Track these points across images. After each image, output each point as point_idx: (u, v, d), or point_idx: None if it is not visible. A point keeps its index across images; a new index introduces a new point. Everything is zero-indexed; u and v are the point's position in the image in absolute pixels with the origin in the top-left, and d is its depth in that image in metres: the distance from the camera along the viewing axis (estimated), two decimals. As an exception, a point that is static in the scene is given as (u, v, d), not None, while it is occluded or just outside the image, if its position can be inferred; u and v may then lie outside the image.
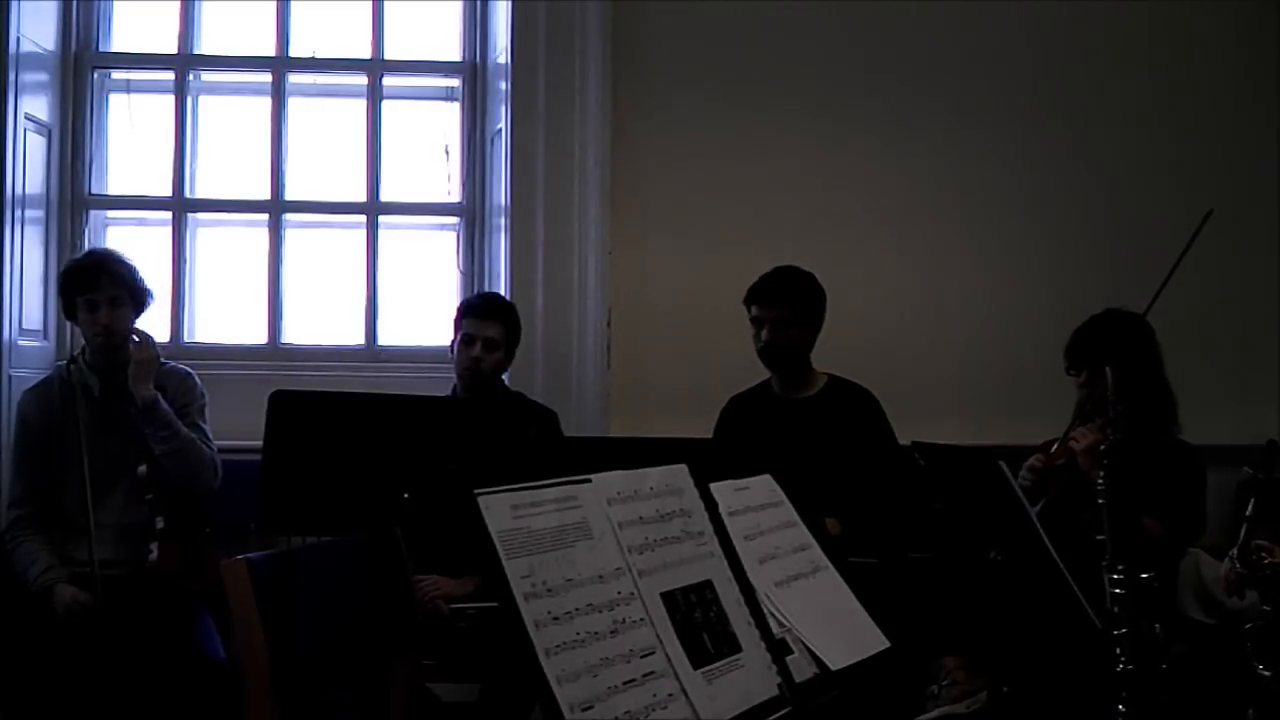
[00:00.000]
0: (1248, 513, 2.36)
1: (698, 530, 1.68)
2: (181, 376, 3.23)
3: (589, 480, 1.56)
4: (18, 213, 3.73)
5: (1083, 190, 4.14)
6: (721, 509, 1.75)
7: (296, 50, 4.21)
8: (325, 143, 4.26)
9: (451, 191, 4.27)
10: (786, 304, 3.29)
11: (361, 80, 4.22)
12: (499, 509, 1.40)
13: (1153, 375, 3.06)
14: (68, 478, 3.05)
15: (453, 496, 2.22)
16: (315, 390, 3.02)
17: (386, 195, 4.23)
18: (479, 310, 3.34)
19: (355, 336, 4.19)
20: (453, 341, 3.35)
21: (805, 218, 4.04)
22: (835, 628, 1.83)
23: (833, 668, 1.74)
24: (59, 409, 3.10)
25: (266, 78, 4.19)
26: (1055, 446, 3.03)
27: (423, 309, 4.21)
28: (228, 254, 4.24)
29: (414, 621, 2.74)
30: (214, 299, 4.22)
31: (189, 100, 4.17)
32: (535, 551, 1.41)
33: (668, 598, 1.54)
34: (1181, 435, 3.09)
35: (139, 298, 3.16)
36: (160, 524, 3.05)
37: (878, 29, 4.09)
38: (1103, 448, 2.34)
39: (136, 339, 3.08)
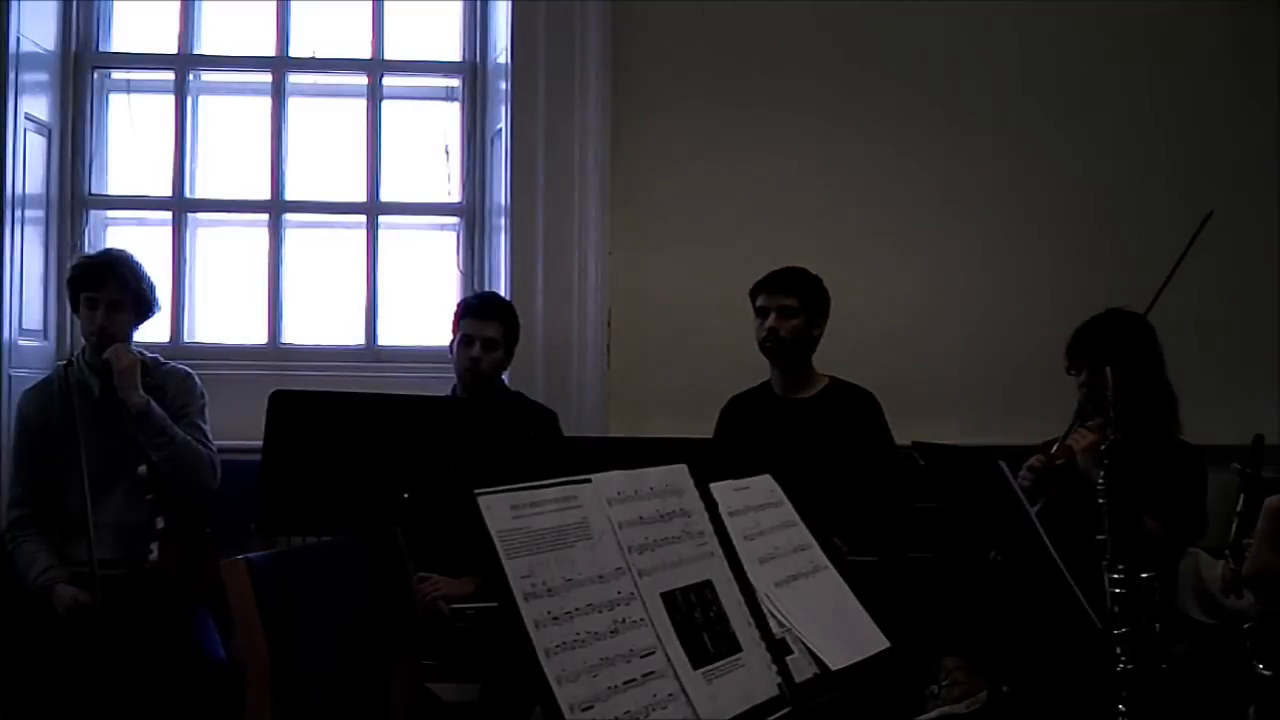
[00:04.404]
0: (1238, 509, 2.36)
1: (698, 530, 1.68)
2: (181, 377, 3.23)
3: (589, 480, 1.56)
4: (18, 213, 3.72)
5: (1082, 190, 4.14)
6: (721, 509, 1.75)
7: (296, 50, 4.20)
8: (325, 143, 4.25)
9: (451, 191, 4.26)
10: (792, 293, 3.31)
11: (361, 80, 4.22)
12: (499, 509, 1.40)
13: (1153, 375, 3.06)
14: (67, 478, 3.04)
15: (453, 496, 2.21)
16: (315, 390, 3.01)
17: (386, 195, 4.22)
18: (477, 310, 3.35)
19: (355, 336, 4.18)
20: (452, 341, 3.35)
21: (805, 218, 4.03)
22: (835, 628, 1.83)
23: (833, 668, 1.74)
24: (59, 409, 3.10)
25: (266, 78, 4.18)
26: (1055, 447, 3.03)
27: (423, 309, 4.20)
28: (228, 254, 4.24)
29: (414, 621, 2.74)
30: (214, 299, 4.21)
31: (189, 100, 4.16)
32: (535, 551, 1.41)
33: (668, 598, 1.54)
34: (1182, 435, 3.08)
35: (142, 306, 3.16)
36: (160, 524, 3.05)
37: (878, 29, 4.08)
38: (1103, 448, 2.34)
39: (107, 354, 3.05)
